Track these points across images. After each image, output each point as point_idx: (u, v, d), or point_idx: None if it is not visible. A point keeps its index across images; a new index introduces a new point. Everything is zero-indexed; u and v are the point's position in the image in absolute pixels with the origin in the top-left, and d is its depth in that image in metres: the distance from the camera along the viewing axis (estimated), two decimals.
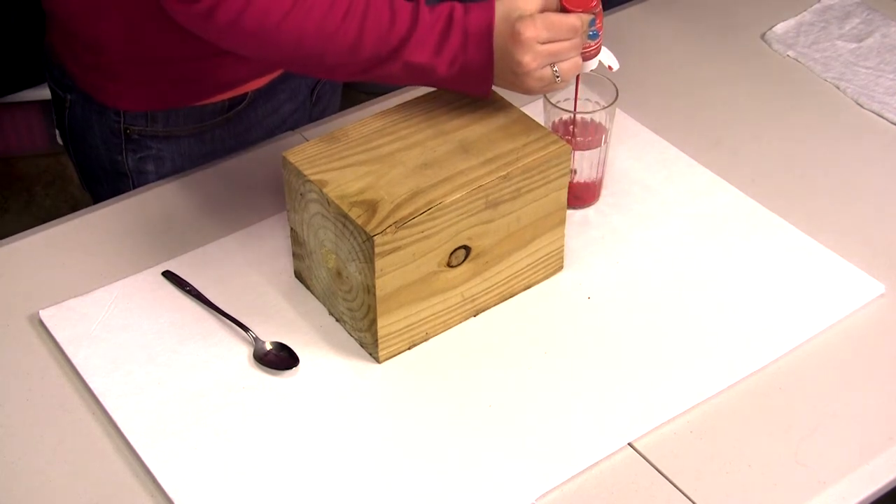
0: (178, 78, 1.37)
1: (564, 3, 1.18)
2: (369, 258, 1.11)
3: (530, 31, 1.14)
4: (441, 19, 1.16)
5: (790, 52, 1.64)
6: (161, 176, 1.44)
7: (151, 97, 1.39)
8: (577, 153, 1.30)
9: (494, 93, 1.25)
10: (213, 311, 1.23)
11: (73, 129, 1.46)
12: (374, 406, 1.15)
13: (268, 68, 1.42)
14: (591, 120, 1.33)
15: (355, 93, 2.98)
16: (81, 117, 1.43)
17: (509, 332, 1.22)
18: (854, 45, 1.65)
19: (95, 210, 1.36)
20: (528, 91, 1.19)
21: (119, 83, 1.38)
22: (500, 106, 1.24)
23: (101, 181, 1.49)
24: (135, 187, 1.44)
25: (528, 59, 1.15)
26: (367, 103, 1.52)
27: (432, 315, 1.20)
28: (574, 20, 1.16)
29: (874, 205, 1.39)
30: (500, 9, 1.16)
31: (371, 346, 1.18)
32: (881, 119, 1.53)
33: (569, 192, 1.24)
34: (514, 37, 1.15)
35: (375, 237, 1.09)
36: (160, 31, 1.29)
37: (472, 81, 1.19)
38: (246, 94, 1.43)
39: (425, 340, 1.21)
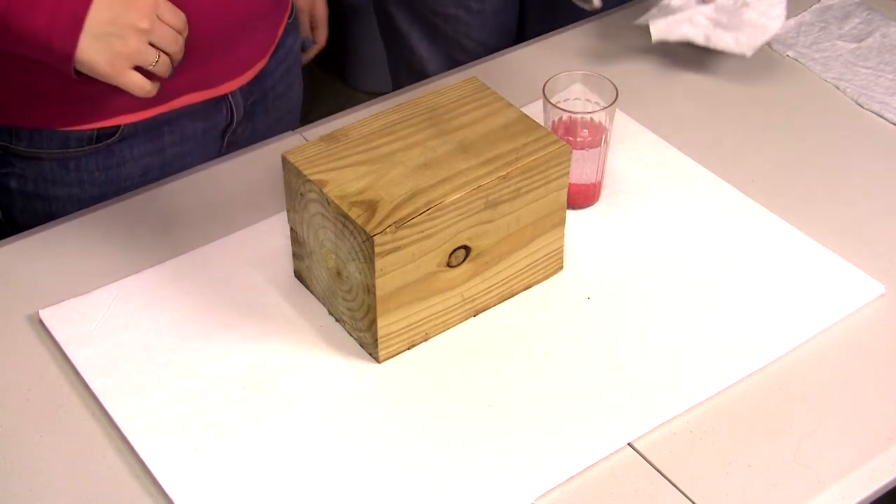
0: (36, 93, 1.31)
1: None
2: (369, 258, 1.10)
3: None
4: None
5: (790, 53, 1.64)
6: (25, 195, 1.39)
7: (12, 111, 1.33)
8: (577, 153, 1.30)
9: (494, 93, 1.25)
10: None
11: None
12: (373, 406, 1.15)
13: (144, 104, 1.34)
14: (591, 120, 1.33)
15: (355, 93, 2.98)
16: None
17: (509, 332, 1.22)
18: (854, 46, 1.65)
19: (96, 210, 1.36)
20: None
21: None
22: (500, 106, 1.24)
23: None
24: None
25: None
26: (367, 103, 1.52)
27: (432, 315, 1.20)
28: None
29: (874, 205, 1.39)
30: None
31: (371, 346, 1.18)
32: (881, 119, 1.53)
33: (568, 193, 1.24)
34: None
35: (375, 237, 1.09)
36: None
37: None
38: (118, 126, 1.36)
39: (425, 340, 1.21)
